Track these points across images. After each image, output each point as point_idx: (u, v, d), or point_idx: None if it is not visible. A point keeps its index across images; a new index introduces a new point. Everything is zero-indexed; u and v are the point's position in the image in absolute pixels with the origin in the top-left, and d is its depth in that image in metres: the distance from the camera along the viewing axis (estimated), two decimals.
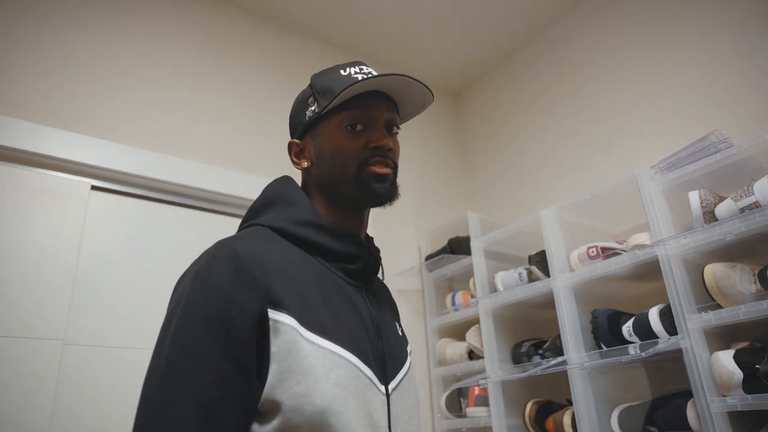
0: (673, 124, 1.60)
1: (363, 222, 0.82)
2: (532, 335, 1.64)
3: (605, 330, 1.36)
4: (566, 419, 1.44)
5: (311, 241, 0.75)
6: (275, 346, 0.63)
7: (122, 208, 1.55)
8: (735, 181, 1.22)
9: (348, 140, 0.77)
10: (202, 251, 0.70)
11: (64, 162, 1.46)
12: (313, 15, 2.02)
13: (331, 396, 0.62)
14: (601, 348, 1.38)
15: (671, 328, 1.23)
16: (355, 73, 0.79)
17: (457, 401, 1.77)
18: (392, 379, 0.74)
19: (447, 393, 1.79)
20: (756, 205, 1.11)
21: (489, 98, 2.30)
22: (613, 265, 1.35)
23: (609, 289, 1.47)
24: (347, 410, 0.63)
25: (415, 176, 2.16)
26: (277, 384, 0.62)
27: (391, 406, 0.72)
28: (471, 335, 1.73)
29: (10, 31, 1.47)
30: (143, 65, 1.67)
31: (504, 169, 2.15)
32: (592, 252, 1.40)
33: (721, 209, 1.18)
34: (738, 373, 1.09)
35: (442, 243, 1.92)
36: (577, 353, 1.39)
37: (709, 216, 1.20)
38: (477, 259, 1.70)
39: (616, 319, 1.37)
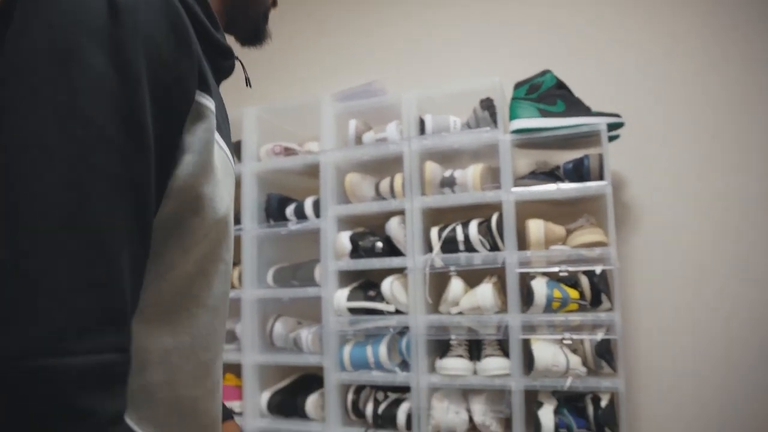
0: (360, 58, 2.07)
1: None
2: None
3: (274, 209, 1.79)
4: (236, 272, 1.86)
5: (202, 22, 0.57)
6: (193, 135, 0.50)
7: None
8: (382, 118, 1.73)
9: None
10: None
11: None
12: None
13: (225, 206, 0.56)
14: (269, 222, 1.81)
15: (317, 213, 1.72)
16: None
17: None
18: None
19: None
20: (385, 140, 1.64)
21: None
22: (289, 162, 1.77)
23: (285, 179, 1.89)
24: (231, 222, 0.59)
25: None
26: (189, 182, 0.50)
27: None
28: None
29: None
30: None
31: (244, 55, 2.35)
32: (277, 149, 1.79)
33: (366, 137, 1.68)
34: (349, 246, 1.64)
35: None
36: (251, 223, 1.80)
37: (359, 140, 1.70)
38: None
39: (284, 202, 1.80)
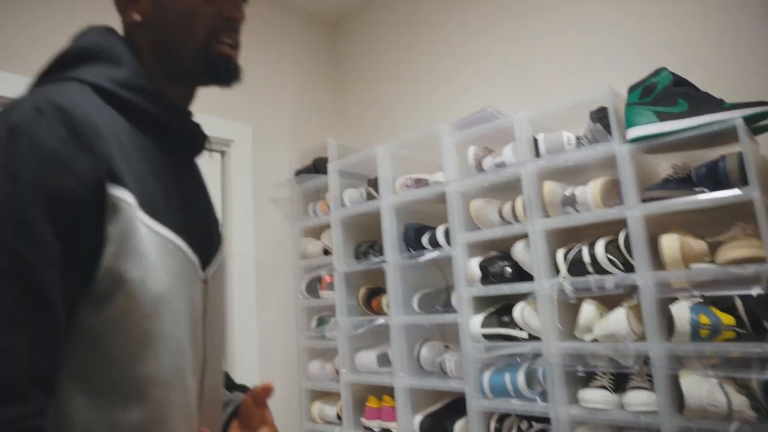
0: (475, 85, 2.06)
1: (193, 96, 0.76)
2: (369, 238, 2.14)
3: (411, 239, 1.87)
4: (384, 300, 1.99)
5: (143, 110, 0.65)
6: (113, 225, 0.56)
7: None
8: (501, 141, 1.69)
9: (201, 3, 0.68)
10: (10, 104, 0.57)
11: None
12: None
13: (163, 285, 0.59)
14: (409, 251, 1.90)
15: (449, 241, 1.76)
16: None
17: (314, 286, 2.29)
18: (209, 265, 0.72)
19: (307, 280, 2.30)
20: (503, 164, 1.61)
21: (366, 32, 2.61)
22: (419, 193, 1.84)
23: (420, 208, 1.97)
24: (176, 299, 0.61)
25: (291, 101, 2.50)
26: (113, 268, 0.55)
27: (208, 294, 0.70)
28: (325, 236, 2.21)
29: None
30: None
31: (370, 101, 2.54)
32: (409, 182, 1.88)
33: (486, 162, 1.67)
34: (478, 273, 1.64)
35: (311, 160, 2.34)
36: (393, 254, 1.91)
37: (479, 165, 1.69)
38: (332, 178, 2.14)
39: (420, 231, 1.88)
